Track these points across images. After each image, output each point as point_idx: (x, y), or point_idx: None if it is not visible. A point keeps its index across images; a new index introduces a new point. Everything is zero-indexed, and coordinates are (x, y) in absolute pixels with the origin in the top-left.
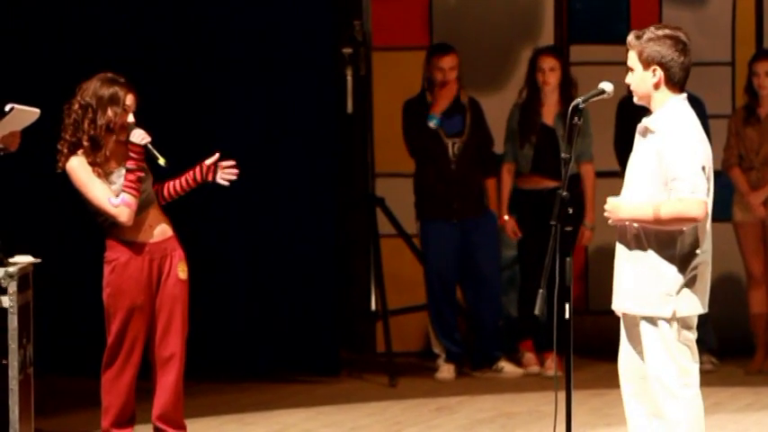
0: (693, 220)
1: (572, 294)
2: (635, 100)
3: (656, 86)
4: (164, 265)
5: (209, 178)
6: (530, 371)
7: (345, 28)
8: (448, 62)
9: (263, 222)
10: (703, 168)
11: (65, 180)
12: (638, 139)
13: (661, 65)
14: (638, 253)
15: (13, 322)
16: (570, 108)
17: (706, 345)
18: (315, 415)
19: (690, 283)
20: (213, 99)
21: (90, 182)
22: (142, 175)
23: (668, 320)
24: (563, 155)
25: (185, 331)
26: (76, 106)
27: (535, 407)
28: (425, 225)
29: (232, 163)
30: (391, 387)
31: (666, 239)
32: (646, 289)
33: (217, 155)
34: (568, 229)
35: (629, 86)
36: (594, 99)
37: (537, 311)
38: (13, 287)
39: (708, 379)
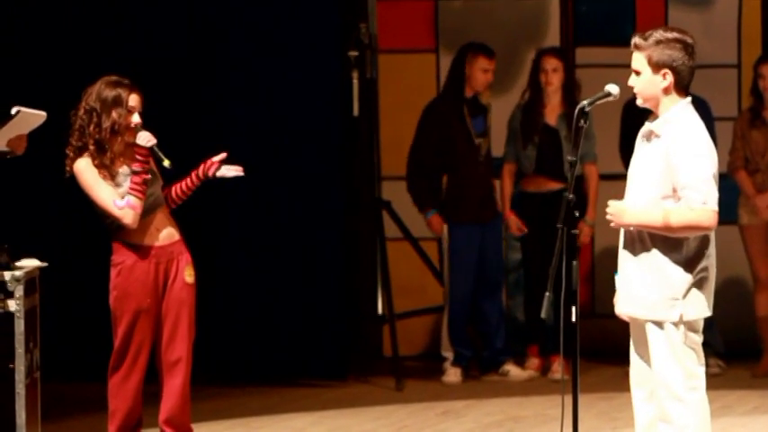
0: (704, 229)
1: (578, 298)
2: (639, 103)
3: (666, 91)
4: (170, 269)
5: (210, 174)
6: (531, 374)
7: (351, 31)
8: (492, 64)
9: (269, 226)
10: (713, 176)
11: (71, 184)
12: (641, 142)
13: (672, 69)
14: (643, 256)
15: (19, 326)
16: (576, 111)
17: (713, 348)
18: (321, 419)
19: (696, 287)
20: (219, 102)
21: (96, 184)
22: (148, 177)
23: (675, 324)
24: (569, 158)
25: (192, 335)
26: (81, 111)
27: (542, 410)
28: (455, 229)
29: (238, 168)
30: (398, 391)
31: (673, 243)
32: (652, 293)
33: (224, 154)
34: (575, 232)
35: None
36: (600, 101)
37: (543, 315)
38: (19, 291)
39: (715, 382)
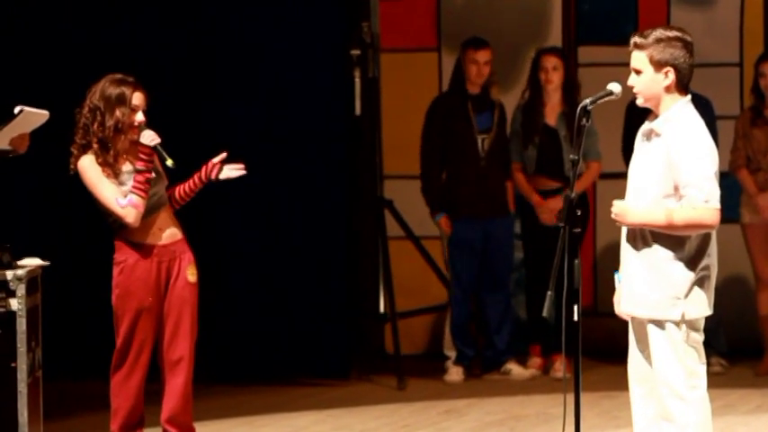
0: (708, 227)
1: (581, 296)
2: (639, 102)
3: (668, 89)
4: (172, 268)
5: (213, 176)
6: (533, 373)
7: (354, 30)
8: (483, 56)
9: (271, 225)
10: (715, 174)
11: (73, 183)
12: (641, 141)
13: (674, 67)
14: (645, 253)
15: (21, 325)
16: (578, 109)
17: (716, 348)
18: (324, 417)
19: (698, 286)
20: (220, 101)
21: (99, 182)
22: (151, 176)
23: (676, 323)
24: (571, 156)
25: (194, 334)
26: (86, 109)
27: (544, 409)
28: (453, 224)
29: (240, 165)
30: (400, 389)
31: (675, 242)
32: (654, 292)
33: (224, 154)
34: (577, 230)
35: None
36: (602, 100)
37: (545, 314)
38: (21, 290)
39: (717, 381)
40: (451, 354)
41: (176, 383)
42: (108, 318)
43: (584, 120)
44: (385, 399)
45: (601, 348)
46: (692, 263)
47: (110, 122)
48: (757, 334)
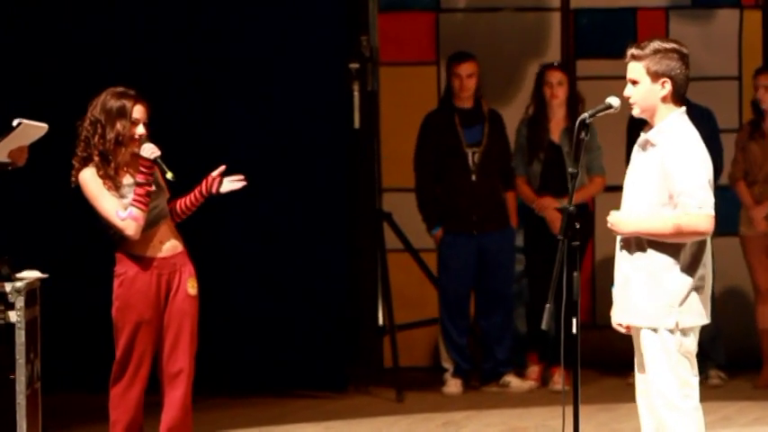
0: (701, 234)
1: (579, 309)
2: (635, 113)
3: (664, 99)
4: (172, 281)
5: (214, 190)
6: (531, 385)
7: (352, 43)
8: (466, 69)
9: (270, 237)
10: (709, 182)
11: (73, 195)
12: (637, 151)
13: (670, 78)
14: (640, 263)
15: (20, 337)
16: (577, 123)
17: (714, 360)
18: (323, 430)
19: (693, 295)
20: (220, 114)
21: (99, 194)
22: (151, 189)
23: (670, 331)
24: (570, 169)
25: (194, 347)
26: (87, 122)
27: (542, 421)
28: (443, 237)
29: (240, 177)
30: (398, 402)
31: (670, 250)
32: (648, 300)
33: (222, 167)
34: (576, 243)
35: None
36: (601, 114)
37: (544, 326)
38: (20, 302)
39: (716, 393)
40: (449, 366)
41: (175, 396)
42: (107, 330)
43: (584, 133)
44: (383, 411)
45: (599, 361)
46: (687, 271)
47: (110, 135)
48: (756, 346)
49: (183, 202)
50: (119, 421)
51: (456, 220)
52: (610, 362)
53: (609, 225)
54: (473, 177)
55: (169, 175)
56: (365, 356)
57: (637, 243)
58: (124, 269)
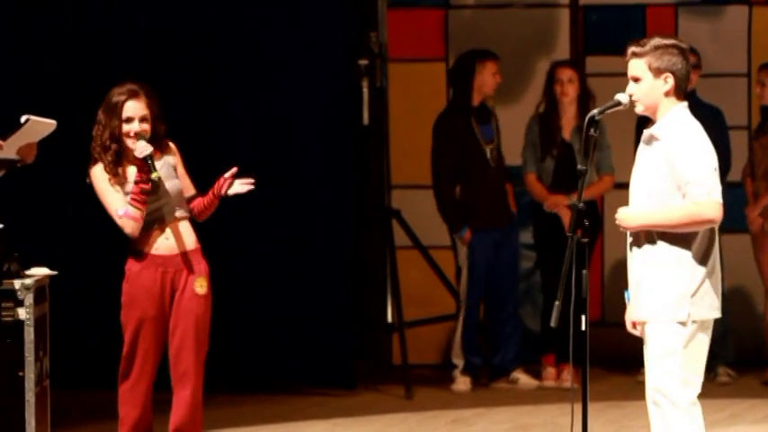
0: (710, 221)
1: (588, 306)
2: (638, 110)
3: (667, 94)
4: (178, 280)
5: (223, 192)
6: (546, 385)
7: (361, 40)
8: (492, 67)
9: (279, 234)
10: (715, 170)
11: (81, 192)
12: (642, 147)
13: (672, 73)
14: (650, 257)
15: (29, 334)
16: (586, 120)
17: (723, 357)
18: (331, 427)
19: (704, 287)
20: (229, 111)
21: (104, 191)
22: (147, 187)
23: (682, 324)
24: (579, 166)
25: (202, 346)
26: (96, 120)
27: (551, 419)
28: (471, 236)
29: (249, 180)
30: (407, 399)
31: (680, 244)
32: (660, 294)
33: (234, 169)
34: (585, 240)
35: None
36: (610, 111)
37: (553, 323)
38: (29, 299)
39: (725, 391)
40: (459, 362)
41: (184, 395)
42: (116, 327)
43: (593, 130)
44: (392, 408)
45: (609, 358)
46: (698, 264)
47: (107, 133)
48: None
49: (200, 203)
50: (127, 417)
51: (479, 217)
52: (619, 359)
53: (617, 221)
54: (492, 174)
55: (154, 175)
56: (374, 354)
57: (647, 237)
58: (130, 265)
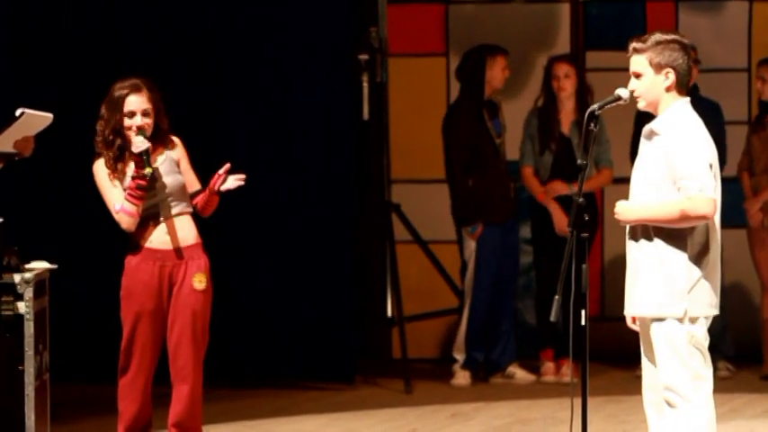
0: (703, 217)
1: (588, 301)
2: (640, 106)
3: (668, 89)
4: (176, 274)
5: (216, 188)
6: (545, 380)
7: (361, 34)
8: (503, 62)
9: (279, 229)
10: (710, 166)
11: (80, 186)
12: (643, 142)
13: (673, 68)
14: (647, 252)
15: (29, 329)
16: (586, 114)
17: (723, 352)
18: (331, 421)
19: (701, 283)
20: (229, 106)
21: (104, 186)
22: (143, 182)
23: (680, 321)
24: (579, 161)
25: (200, 341)
26: (99, 114)
27: (551, 413)
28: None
29: (240, 176)
30: (407, 393)
31: (676, 239)
32: (656, 290)
33: (227, 165)
34: (584, 235)
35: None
36: (610, 105)
37: (553, 318)
38: (29, 293)
39: (724, 385)
40: (460, 357)
41: (183, 390)
42: (116, 321)
43: (593, 125)
44: (392, 403)
45: (608, 353)
46: (694, 260)
47: (108, 128)
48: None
49: (200, 200)
50: (126, 411)
51: (492, 211)
52: (618, 354)
53: (615, 215)
54: (502, 168)
55: (147, 171)
56: (373, 348)
57: (643, 231)
58: (129, 260)
